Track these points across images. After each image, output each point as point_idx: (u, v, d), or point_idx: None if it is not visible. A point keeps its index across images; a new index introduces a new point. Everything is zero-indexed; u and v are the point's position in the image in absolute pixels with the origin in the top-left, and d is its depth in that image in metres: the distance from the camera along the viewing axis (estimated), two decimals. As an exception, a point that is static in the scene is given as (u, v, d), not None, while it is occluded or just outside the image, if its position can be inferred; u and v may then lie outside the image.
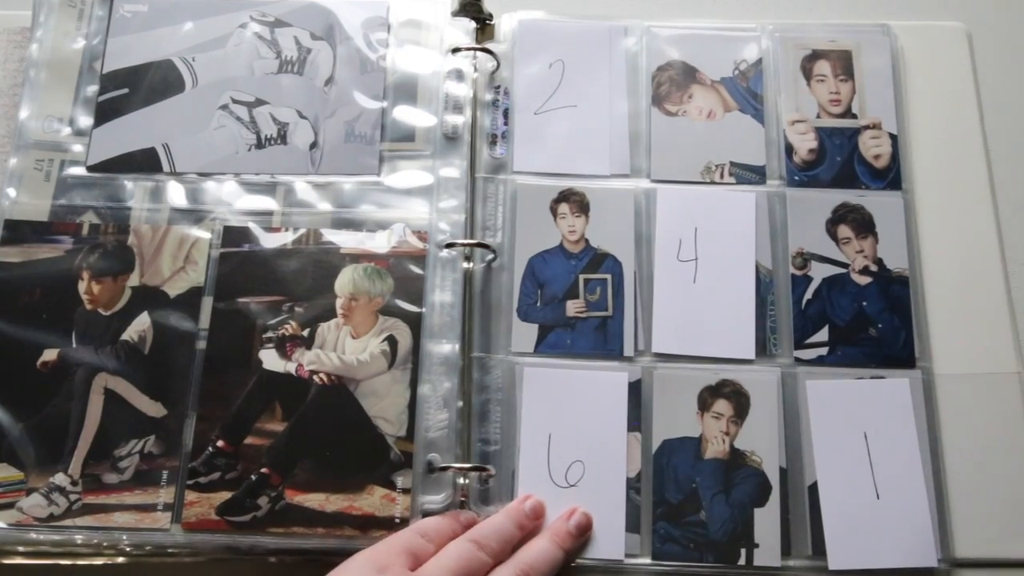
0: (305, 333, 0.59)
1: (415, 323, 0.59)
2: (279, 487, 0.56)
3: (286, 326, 0.59)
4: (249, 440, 0.57)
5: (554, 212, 0.63)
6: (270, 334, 0.59)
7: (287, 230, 0.62)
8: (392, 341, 0.59)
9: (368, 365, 0.58)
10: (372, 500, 0.55)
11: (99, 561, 0.55)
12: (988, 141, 0.66)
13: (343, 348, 0.59)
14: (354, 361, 0.58)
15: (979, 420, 0.59)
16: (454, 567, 0.50)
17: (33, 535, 0.55)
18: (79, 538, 0.55)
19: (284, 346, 0.59)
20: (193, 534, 0.55)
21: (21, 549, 0.55)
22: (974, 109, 0.67)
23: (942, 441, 0.58)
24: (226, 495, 0.55)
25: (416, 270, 0.61)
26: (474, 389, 0.59)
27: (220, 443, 0.57)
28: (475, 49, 0.66)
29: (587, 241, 0.62)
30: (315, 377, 0.58)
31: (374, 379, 0.58)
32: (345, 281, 0.60)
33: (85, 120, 0.64)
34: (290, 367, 0.58)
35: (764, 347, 0.60)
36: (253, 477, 0.56)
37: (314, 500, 0.55)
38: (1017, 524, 0.56)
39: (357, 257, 0.61)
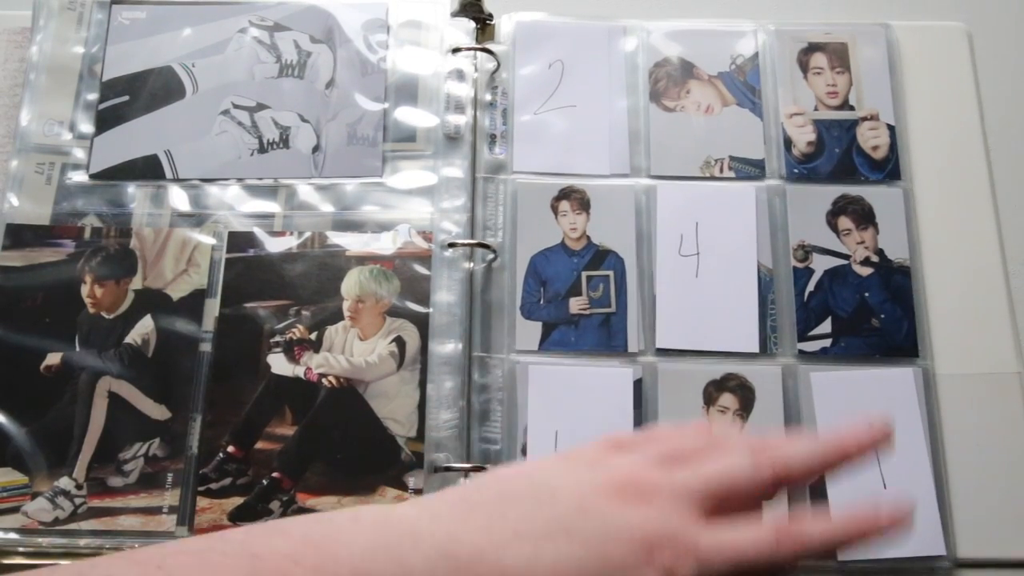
0: (313, 336, 0.59)
1: (422, 324, 0.59)
2: (291, 491, 0.56)
3: (294, 330, 0.59)
4: (259, 445, 0.57)
5: (555, 210, 0.63)
6: (278, 338, 0.59)
7: (292, 234, 0.61)
8: (400, 342, 0.59)
9: (377, 367, 0.58)
10: (384, 501, 0.55)
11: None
12: (988, 140, 0.66)
13: (351, 350, 0.59)
14: (363, 363, 0.58)
15: (979, 420, 0.59)
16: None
17: (38, 539, 0.55)
18: (83, 541, 0.55)
19: (292, 350, 0.59)
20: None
21: (22, 550, 0.55)
22: (974, 108, 0.67)
23: (943, 441, 0.58)
24: (238, 500, 0.56)
25: (422, 270, 0.61)
26: (474, 389, 0.59)
27: (230, 448, 0.57)
28: (475, 49, 0.66)
29: (588, 238, 0.63)
30: (324, 380, 0.58)
31: (383, 380, 0.58)
32: (351, 283, 0.60)
33: (85, 124, 0.64)
34: (299, 371, 0.58)
35: (766, 346, 0.60)
36: (264, 482, 0.56)
37: (326, 503, 0.55)
38: (1019, 524, 0.57)
39: (363, 259, 0.61)
